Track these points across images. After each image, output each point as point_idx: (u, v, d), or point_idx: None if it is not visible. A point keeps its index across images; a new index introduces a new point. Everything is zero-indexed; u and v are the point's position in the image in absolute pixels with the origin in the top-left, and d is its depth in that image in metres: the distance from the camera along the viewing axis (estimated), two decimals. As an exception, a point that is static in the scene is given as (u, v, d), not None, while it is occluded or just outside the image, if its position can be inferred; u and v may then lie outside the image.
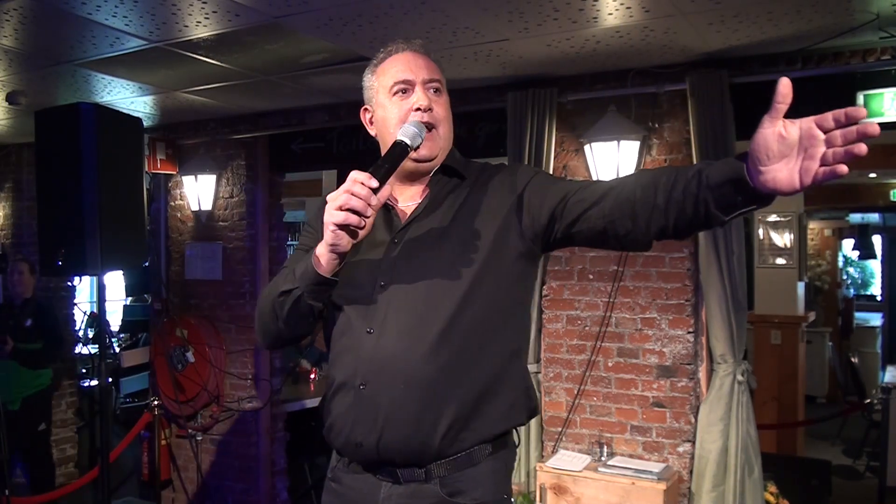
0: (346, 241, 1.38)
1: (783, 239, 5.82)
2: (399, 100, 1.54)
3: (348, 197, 1.33)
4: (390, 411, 1.45)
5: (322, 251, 1.41)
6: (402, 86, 1.54)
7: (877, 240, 9.74)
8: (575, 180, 1.60)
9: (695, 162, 3.29)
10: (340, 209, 1.34)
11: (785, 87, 1.10)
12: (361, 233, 1.38)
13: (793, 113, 1.11)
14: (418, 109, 1.51)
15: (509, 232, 1.52)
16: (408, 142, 1.45)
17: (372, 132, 1.64)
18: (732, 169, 1.19)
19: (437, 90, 1.56)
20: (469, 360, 1.47)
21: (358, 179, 1.34)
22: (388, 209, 1.58)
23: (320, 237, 1.45)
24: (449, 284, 1.47)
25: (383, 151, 1.54)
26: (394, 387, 1.45)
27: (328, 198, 1.38)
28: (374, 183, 1.35)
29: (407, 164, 1.51)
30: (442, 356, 1.45)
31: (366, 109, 1.64)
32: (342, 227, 1.35)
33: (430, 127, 1.52)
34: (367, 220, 1.36)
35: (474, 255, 1.49)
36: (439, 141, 1.54)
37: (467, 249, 1.49)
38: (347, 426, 1.50)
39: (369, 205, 1.34)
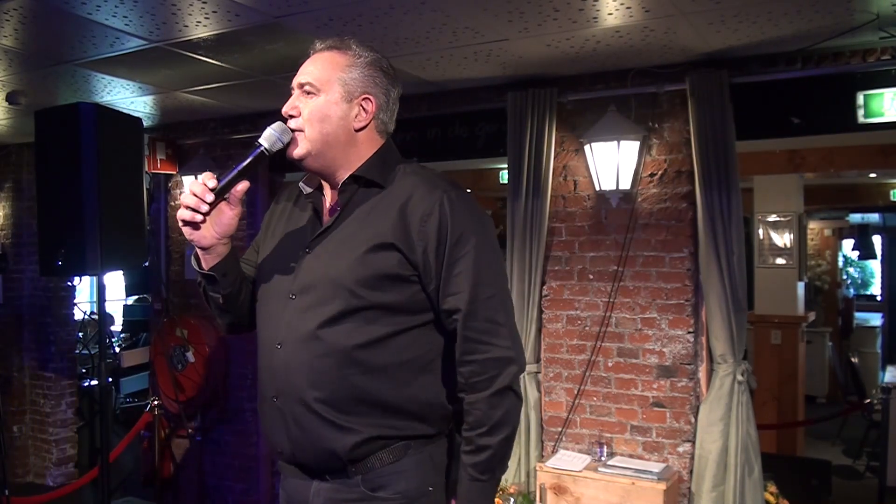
0: (198, 236, 1.50)
1: (783, 239, 5.82)
2: None
3: (186, 195, 1.45)
4: (296, 426, 1.50)
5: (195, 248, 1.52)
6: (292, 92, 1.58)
7: (877, 240, 9.73)
8: (484, 309, 1.49)
9: (695, 163, 3.31)
10: (185, 224, 1.47)
11: None
12: (205, 228, 1.48)
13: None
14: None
15: (396, 259, 1.48)
16: (265, 145, 1.50)
17: None
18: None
19: (308, 92, 1.54)
20: (371, 376, 1.48)
21: (199, 180, 1.45)
22: (317, 213, 1.60)
23: (262, 236, 1.69)
24: (342, 301, 1.46)
25: None
26: (297, 403, 1.50)
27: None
28: (213, 183, 1.44)
29: (301, 164, 1.56)
30: (338, 371, 1.46)
31: None
32: (185, 222, 1.47)
33: (295, 130, 1.53)
34: (201, 215, 1.46)
35: (371, 272, 1.46)
36: (305, 143, 1.52)
37: (364, 266, 1.47)
38: (270, 436, 1.58)
39: (204, 201, 1.44)
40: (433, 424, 1.55)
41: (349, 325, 1.46)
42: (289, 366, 1.50)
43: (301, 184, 1.64)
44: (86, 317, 6.12)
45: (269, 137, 1.50)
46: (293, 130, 1.52)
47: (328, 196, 1.62)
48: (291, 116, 1.54)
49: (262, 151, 1.49)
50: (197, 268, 1.58)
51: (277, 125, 1.51)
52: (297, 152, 1.53)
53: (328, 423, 1.48)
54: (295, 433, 1.51)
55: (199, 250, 1.54)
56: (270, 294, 1.59)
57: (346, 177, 1.56)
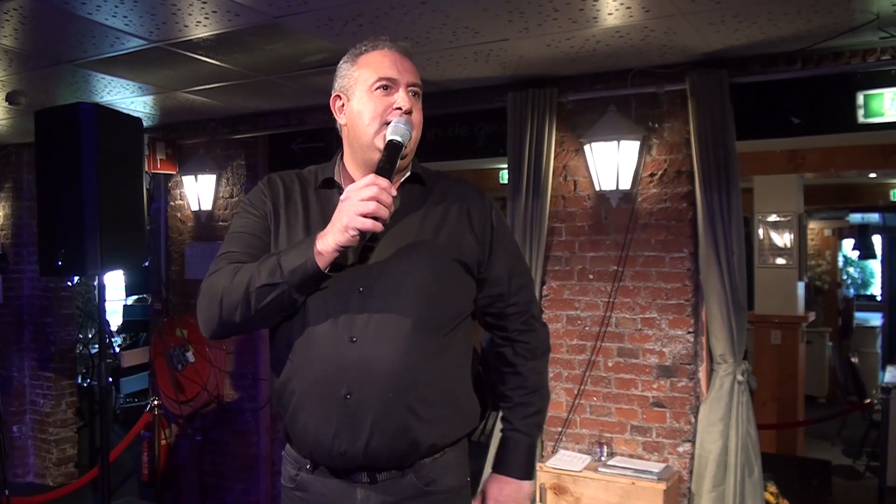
0: (357, 243, 1.41)
1: (783, 239, 5.82)
2: (380, 95, 1.54)
3: (377, 206, 1.36)
4: (379, 420, 1.47)
5: (328, 248, 1.41)
6: (386, 83, 1.54)
7: (877, 240, 9.74)
8: (521, 281, 1.72)
9: (695, 163, 3.31)
10: (366, 216, 1.36)
11: None
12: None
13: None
14: (398, 109, 1.53)
15: (468, 251, 1.59)
16: (401, 140, 1.48)
17: (340, 120, 1.61)
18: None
19: (416, 94, 1.58)
20: (441, 367, 1.53)
21: (383, 187, 1.37)
22: None
23: (269, 223, 1.56)
24: (423, 294, 1.51)
25: (346, 142, 1.61)
26: (383, 396, 1.47)
27: (348, 195, 1.40)
28: (394, 192, 1.41)
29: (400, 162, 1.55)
30: (422, 365, 1.50)
31: (338, 97, 1.61)
32: (362, 231, 1.38)
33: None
34: (387, 210, 1.41)
35: (441, 267, 1.54)
36: (410, 142, 1.54)
37: (436, 260, 1.54)
38: (329, 436, 1.49)
39: (389, 197, 1.39)
40: (476, 416, 1.66)
41: (428, 318, 1.51)
42: (370, 360, 1.47)
43: (336, 177, 1.61)
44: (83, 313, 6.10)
45: (403, 134, 1.50)
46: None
47: None
48: (409, 113, 1.54)
49: (401, 147, 1.48)
50: (318, 270, 1.43)
51: (402, 121, 1.51)
52: (406, 149, 1.53)
53: (413, 415, 1.49)
54: (373, 430, 1.47)
55: (336, 254, 1.42)
56: (325, 287, 1.50)
57: (404, 175, 1.60)
